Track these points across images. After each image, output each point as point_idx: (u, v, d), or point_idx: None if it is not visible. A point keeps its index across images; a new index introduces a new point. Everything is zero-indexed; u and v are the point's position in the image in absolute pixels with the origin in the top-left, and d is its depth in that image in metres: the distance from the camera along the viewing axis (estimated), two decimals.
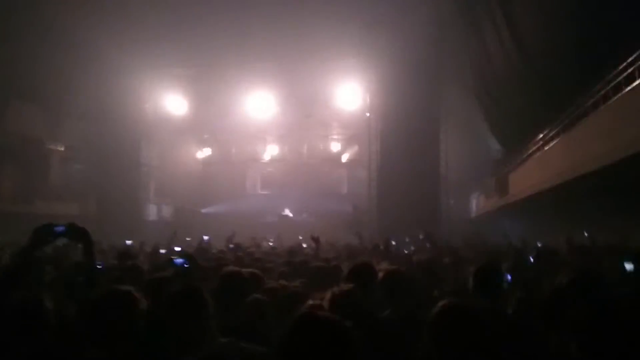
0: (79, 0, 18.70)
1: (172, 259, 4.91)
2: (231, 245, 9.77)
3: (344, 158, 27.31)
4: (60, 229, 2.92)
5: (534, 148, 14.79)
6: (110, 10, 18.92)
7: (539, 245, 10.86)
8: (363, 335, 1.56)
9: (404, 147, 19.00)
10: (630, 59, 8.45)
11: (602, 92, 9.63)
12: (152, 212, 24.69)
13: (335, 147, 27.60)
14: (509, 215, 20.33)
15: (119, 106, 22.00)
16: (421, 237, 8.33)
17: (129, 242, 14.16)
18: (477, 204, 25.23)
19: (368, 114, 22.10)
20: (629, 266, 5.20)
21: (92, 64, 20.62)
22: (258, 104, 23.27)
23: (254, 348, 2.54)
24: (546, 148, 13.64)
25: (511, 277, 4.31)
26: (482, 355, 2.03)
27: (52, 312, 2.50)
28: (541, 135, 13.96)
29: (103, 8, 18.79)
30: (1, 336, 2.35)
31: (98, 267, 5.13)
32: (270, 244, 13.76)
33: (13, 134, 21.27)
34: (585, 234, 10.90)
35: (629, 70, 8.43)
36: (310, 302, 3.07)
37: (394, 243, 11.48)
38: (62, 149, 24.48)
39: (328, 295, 2.90)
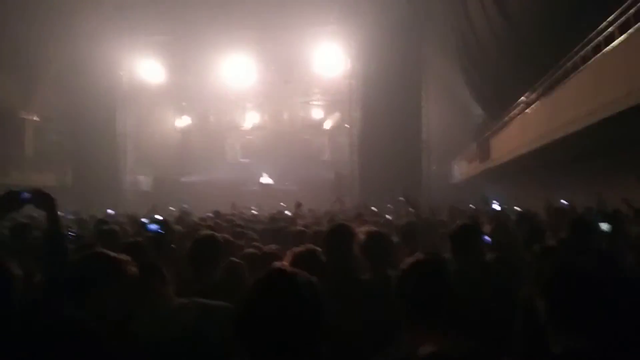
0: None
1: (145, 224, 4.79)
2: (210, 214, 9.69)
3: (326, 125, 27.07)
4: (25, 195, 2.77)
5: (515, 112, 14.80)
6: None
7: (519, 209, 10.98)
8: (326, 290, 1.54)
9: (386, 112, 18.86)
10: (610, 18, 8.37)
11: (582, 52, 9.59)
12: (130, 181, 24.29)
13: (316, 113, 27.23)
14: (491, 180, 20.51)
15: (94, 74, 21.37)
16: (401, 199, 8.29)
17: (110, 211, 14.04)
18: (459, 169, 25.39)
19: (349, 80, 21.86)
20: (604, 227, 5.25)
21: (65, 30, 19.94)
22: (237, 71, 22.81)
23: (214, 303, 2.49)
24: (527, 111, 13.65)
25: (490, 239, 4.31)
26: (446, 308, 2.02)
27: (19, 277, 2.39)
28: (522, 99, 13.95)
29: None
30: None
31: (70, 234, 5.05)
32: (253, 211, 13.68)
33: None
34: (564, 202, 11.02)
35: (609, 30, 8.36)
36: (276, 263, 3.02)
37: (374, 209, 11.54)
38: (37, 118, 23.90)
39: (289, 254, 2.85)
